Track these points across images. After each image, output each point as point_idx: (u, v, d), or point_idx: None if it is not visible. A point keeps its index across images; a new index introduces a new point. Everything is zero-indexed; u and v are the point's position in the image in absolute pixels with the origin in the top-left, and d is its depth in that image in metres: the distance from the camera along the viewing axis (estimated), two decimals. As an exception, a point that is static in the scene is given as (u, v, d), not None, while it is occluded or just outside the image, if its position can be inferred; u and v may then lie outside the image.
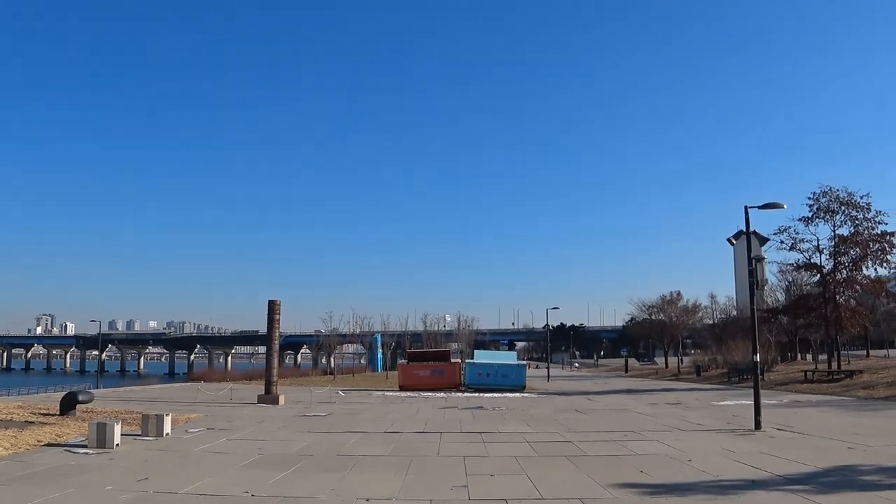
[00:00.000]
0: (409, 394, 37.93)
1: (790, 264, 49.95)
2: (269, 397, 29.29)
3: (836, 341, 46.56)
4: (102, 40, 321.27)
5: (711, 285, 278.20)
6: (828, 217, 43.57)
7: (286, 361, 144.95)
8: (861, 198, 42.81)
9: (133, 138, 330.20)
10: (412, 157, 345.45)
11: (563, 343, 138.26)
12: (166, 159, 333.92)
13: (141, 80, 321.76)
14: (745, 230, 20.91)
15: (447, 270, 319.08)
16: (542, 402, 32.04)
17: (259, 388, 32.85)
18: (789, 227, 44.43)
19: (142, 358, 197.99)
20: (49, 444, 14.95)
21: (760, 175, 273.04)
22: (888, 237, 42.12)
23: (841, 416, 22.33)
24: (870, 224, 42.60)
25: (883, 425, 19.49)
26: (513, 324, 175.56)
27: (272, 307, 30.95)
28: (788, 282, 60.18)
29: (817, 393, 33.89)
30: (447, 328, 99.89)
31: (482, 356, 48.97)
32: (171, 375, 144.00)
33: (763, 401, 19.12)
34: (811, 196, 43.80)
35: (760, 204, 19.76)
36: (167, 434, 16.60)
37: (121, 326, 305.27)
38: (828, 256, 44.42)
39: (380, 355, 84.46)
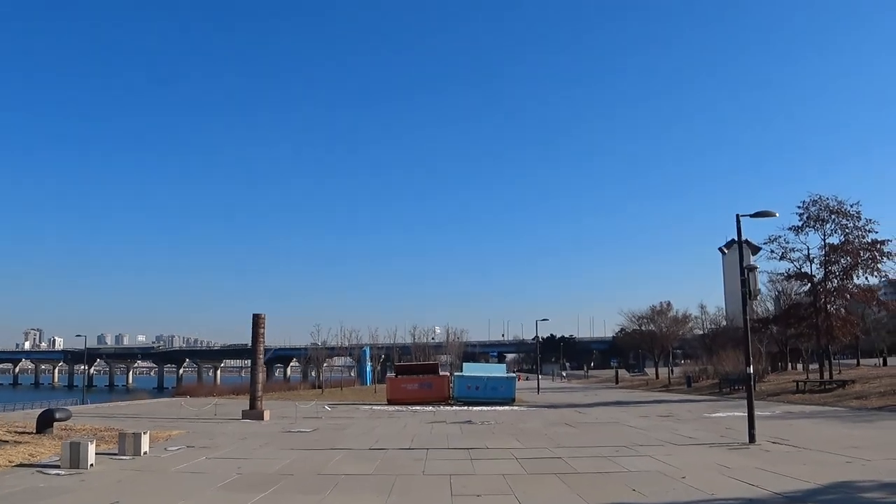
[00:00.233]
0: (397, 408, 37.38)
1: (780, 274, 49.80)
2: (253, 412, 28.67)
3: (827, 351, 46.31)
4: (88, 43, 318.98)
5: (701, 295, 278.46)
6: (818, 226, 43.42)
7: (276, 375, 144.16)
8: (851, 206, 42.73)
9: (123, 150, 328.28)
10: (400, 167, 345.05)
11: (553, 354, 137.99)
12: (157, 168, 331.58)
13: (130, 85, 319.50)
14: (736, 239, 20.61)
15: (437, 282, 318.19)
16: (532, 415, 31.58)
17: (246, 402, 32.22)
18: (779, 237, 44.09)
19: (130, 372, 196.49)
20: (21, 465, 14.35)
21: (760, 175, 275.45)
22: (878, 246, 41.98)
23: (836, 428, 22.01)
24: (860, 233, 42.53)
25: (879, 437, 19.17)
26: (503, 335, 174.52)
27: (256, 321, 30.50)
28: (778, 291, 59.94)
29: (810, 403, 33.60)
30: (436, 340, 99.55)
31: (471, 369, 48.58)
32: (160, 389, 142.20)
33: (756, 412, 18.76)
34: (801, 205, 43.65)
35: (752, 212, 19.47)
36: (145, 453, 16.02)
37: (110, 341, 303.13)
38: (818, 265, 44.26)
39: (368, 368, 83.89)
